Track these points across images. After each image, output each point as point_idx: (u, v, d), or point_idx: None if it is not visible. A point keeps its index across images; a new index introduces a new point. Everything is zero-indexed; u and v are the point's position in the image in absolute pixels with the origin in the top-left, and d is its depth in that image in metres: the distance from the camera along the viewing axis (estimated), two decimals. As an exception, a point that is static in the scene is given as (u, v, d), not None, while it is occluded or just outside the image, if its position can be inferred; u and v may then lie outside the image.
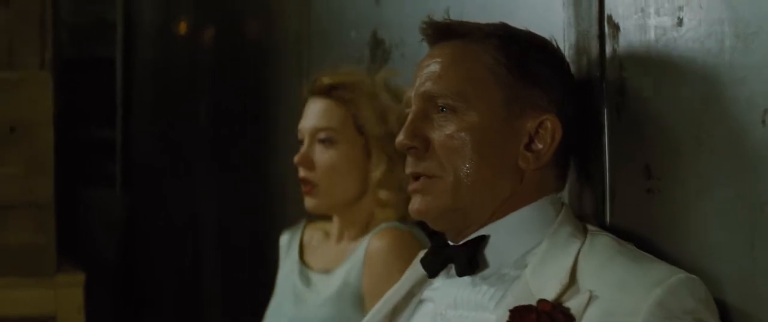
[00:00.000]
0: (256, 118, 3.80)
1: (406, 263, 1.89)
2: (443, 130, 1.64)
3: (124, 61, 5.91)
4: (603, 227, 1.70)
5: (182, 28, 4.96)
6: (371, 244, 2.24)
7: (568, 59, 1.79)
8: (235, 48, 4.18)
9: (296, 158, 2.30)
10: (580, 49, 1.79)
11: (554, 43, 1.72)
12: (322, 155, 2.29)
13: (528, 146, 1.64)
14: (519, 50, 1.65)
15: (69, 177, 5.09)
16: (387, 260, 2.19)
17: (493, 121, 1.62)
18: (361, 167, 2.29)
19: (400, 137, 1.66)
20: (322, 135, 2.30)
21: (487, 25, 1.69)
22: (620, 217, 1.72)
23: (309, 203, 2.32)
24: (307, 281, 2.37)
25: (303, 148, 2.31)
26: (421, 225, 2.27)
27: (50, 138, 3.61)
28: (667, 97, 1.60)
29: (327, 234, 2.44)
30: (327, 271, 2.35)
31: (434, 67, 1.66)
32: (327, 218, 2.44)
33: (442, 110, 1.64)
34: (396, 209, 2.30)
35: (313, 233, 2.47)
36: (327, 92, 2.31)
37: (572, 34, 1.82)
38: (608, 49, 1.73)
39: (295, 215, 2.74)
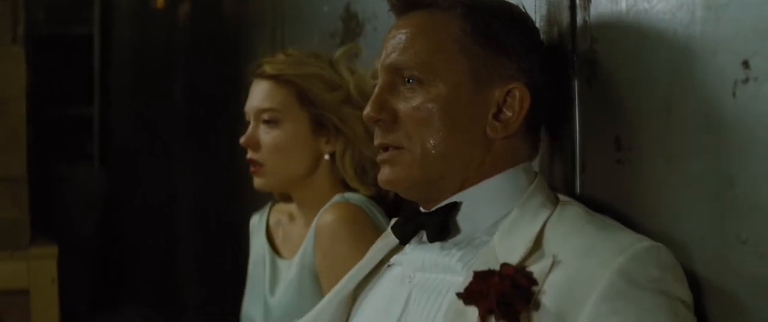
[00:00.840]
0: (231, 95, 3.78)
1: (356, 237, 1.90)
2: (410, 102, 1.63)
3: (102, 38, 5.89)
4: (573, 197, 1.69)
5: (159, 3, 4.94)
6: (320, 219, 2.24)
7: (539, 30, 1.78)
8: (211, 24, 4.17)
9: (242, 140, 2.32)
10: (551, 19, 1.79)
11: (523, 9, 1.71)
12: (266, 136, 2.30)
13: (496, 115, 1.63)
14: (485, 19, 1.64)
15: (46, 154, 5.08)
16: (336, 233, 2.19)
17: (459, 92, 1.62)
18: (308, 143, 2.30)
19: (367, 110, 1.66)
20: (265, 116, 2.30)
21: None
22: (590, 187, 1.72)
23: (257, 182, 2.33)
24: (274, 268, 2.37)
25: (249, 130, 2.32)
26: (380, 201, 2.28)
27: (23, 112, 3.62)
28: (638, 69, 1.60)
29: (291, 216, 2.44)
30: (289, 256, 2.35)
31: (400, 38, 1.66)
32: (289, 198, 2.43)
33: (409, 82, 1.64)
34: (357, 186, 2.29)
35: (278, 216, 2.48)
36: (264, 75, 2.31)
37: (543, 5, 1.81)
38: (579, 20, 1.73)
39: (269, 194, 2.73)
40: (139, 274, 5.39)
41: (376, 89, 1.67)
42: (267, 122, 2.30)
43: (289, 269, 2.31)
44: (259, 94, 2.32)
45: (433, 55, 1.63)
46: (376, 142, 1.68)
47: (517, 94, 1.63)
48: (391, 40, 1.67)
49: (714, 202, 1.45)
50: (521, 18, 1.70)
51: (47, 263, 3.66)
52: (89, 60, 5.85)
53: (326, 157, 2.30)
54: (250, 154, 2.31)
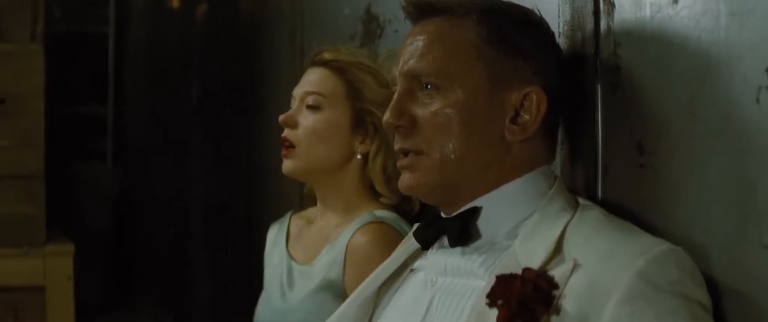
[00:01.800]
0: (247, 94, 3.79)
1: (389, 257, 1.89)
2: (428, 108, 1.65)
3: (117, 37, 5.90)
4: (595, 201, 1.70)
5: (175, 2, 4.95)
6: (354, 239, 2.23)
7: (562, 35, 1.79)
8: (228, 24, 4.17)
9: (281, 117, 2.30)
10: (574, 25, 1.79)
11: (538, 13, 1.72)
12: (306, 118, 2.29)
13: (514, 119, 1.64)
14: (500, 23, 1.65)
15: (61, 151, 5.10)
16: (371, 256, 2.17)
17: (477, 97, 1.63)
18: (345, 136, 2.29)
19: (387, 116, 1.68)
20: (310, 99, 2.29)
21: (469, 0, 1.69)
22: (612, 192, 1.72)
23: (287, 165, 2.30)
24: (291, 274, 2.36)
25: (291, 110, 2.31)
26: (405, 214, 2.28)
27: (41, 110, 3.63)
28: (662, 74, 1.60)
29: (310, 221, 2.43)
30: (308, 262, 2.33)
31: (417, 45, 1.67)
32: (312, 203, 2.43)
33: (427, 88, 1.66)
34: (384, 191, 2.29)
35: (297, 222, 2.46)
36: (324, 62, 2.31)
37: (567, 10, 1.81)
38: (603, 26, 1.73)
39: (285, 192, 2.74)
40: (151, 271, 5.40)
41: (395, 96, 1.69)
42: (310, 107, 2.29)
43: (308, 275, 2.30)
44: (310, 78, 2.32)
45: (450, 61, 1.64)
46: (396, 147, 1.69)
47: (535, 97, 1.64)
48: (408, 47, 1.69)
49: (736, 207, 1.46)
50: (537, 22, 1.71)
51: (63, 261, 3.68)
52: (104, 58, 5.87)
53: (359, 156, 2.29)
54: (285, 133, 2.30)
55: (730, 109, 1.46)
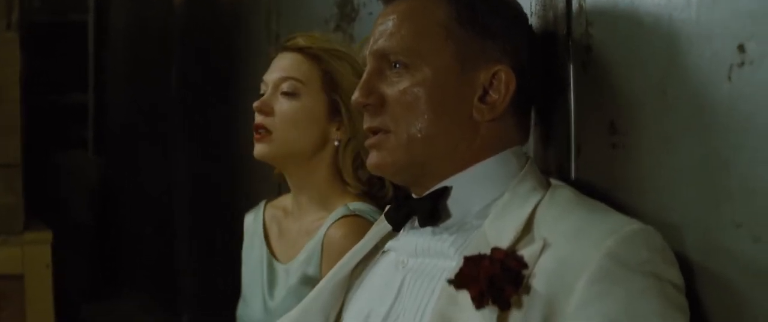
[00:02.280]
0: (226, 81, 3.78)
1: None
2: (397, 86, 1.65)
3: (97, 25, 5.89)
4: (568, 181, 1.69)
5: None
6: (329, 233, 2.22)
7: (534, 15, 1.78)
8: (207, 10, 4.16)
9: (256, 104, 2.27)
10: (546, 4, 1.79)
11: None
12: (283, 105, 2.27)
13: (482, 98, 1.64)
14: (471, 2, 1.65)
15: (42, 140, 5.09)
16: (346, 249, 2.15)
17: (445, 76, 1.63)
18: (321, 124, 2.27)
19: (356, 95, 1.68)
20: (285, 86, 2.27)
21: None
22: (585, 171, 1.72)
23: (259, 149, 2.28)
24: (272, 272, 2.35)
25: (265, 96, 2.29)
26: (378, 201, 2.27)
27: (17, 99, 3.64)
28: (633, 53, 1.60)
29: (286, 211, 2.42)
30: (289, 259, 2.32)
31: (387, 24, 1.68)
32: (285, 190, 2.42)
33: (396, 66, 1.66)
34: (350, 180, 2.28)
35: (273, 212, 2.45)
36: (299, 49, 2.29)
37: (539, -10, 1.81)
38: (575, 5, 1.73)
39: (267, 178, 2.73)
40: (135, 261, 5.39)
41: (365, 75, 1.69)
42: (286, 94, 2.27)
43: (289, 274, 2.29)
44: (283, 64, 2.30)
45: (419, 40, 1.64)
46: (365, 126, 1.69)
47: (503, 76, 1.63)
48: (378, 27, 1.69)
49: (709, 186, 1.45)
50: (508, 1, 1.71)
51: (42, 249, 3.68)
52: (84, 46, 5.86)
53: (336, 143, 2.27)
54: (259, 120, 2.27)
55: (702, 88, 1.46)
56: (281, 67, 2.30)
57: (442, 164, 1.65)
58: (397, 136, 1.64)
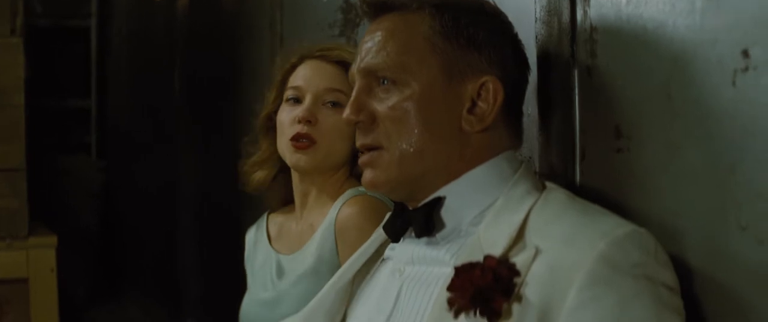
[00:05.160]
0: (230, 84, 3.79)
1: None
2: (386, 103, 1.67)
3: (99, 30, 5.89)
4: (572, 186, 1.70)
5: (157, -6, 4.94)
6: (341, 213, 2.22)
7: (539, 21, 1.79)
8: (210, 15, 4.17)
9: (302, 114, 2.25)
10: (551, 10, 1.79)
11: (492, 3, 1.73)
12: (329, 117, 2.26)
13: (471, 109, 1.65)
14: (454, 15, 1.67)
15: (46, 145, 5.09)
16: (360, 226, 2.17)
17: (433, 89, 1.65)
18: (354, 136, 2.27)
19: (347, 112, 1.69)
20: (331, 97, 2.26)
21: None
22: (590, 176, 1.72)
23: (303, 159, 2.26)
24: (280, 266, 2.35)
25: (308, 105, 2.27)
26: None
27: (21, 104, 3.64)
28: (638, 59, 1.60)
29: (288, 216, 2.42)
30: (295, 250, 2.33)
31: (373, 41, 1.69)
32: (290, 202, 2.42)
33: (384, 83, 1.68)
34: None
35: (276, 219, 2.45)
36: (340, 61, 2.29)
37: (544, -5, 1.82)
38: (579, 11, 1.74)
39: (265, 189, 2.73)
40: (138, 264, 5.39)
41: (354, 92, 1.71)
42: (334, 104, 2.26)
43: (297, 261, 2.29)
44: (325, 75, 2.29)
45: (405, 56, 1.66)
46: (357, 143, 1.71)
47: (491, 86, 1.65)
48: (365, 44, 1.71)
49: (714, 189, 1.46)
50: (491, 12, 1.72)
51: (46, 253, 3.69)
52: (87, 51, 5.86)
53: None
54: (304, 130, 2.25)
55: (707, 93, 1.47)
56: (325, 78, 2.29)
57: (435, 177, 1.66)
58: (390, 153, 1.66)
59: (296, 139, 2.26)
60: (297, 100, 2.29)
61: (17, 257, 3.65)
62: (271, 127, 2.38)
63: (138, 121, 5.32)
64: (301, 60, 2.34)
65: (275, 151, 2.36)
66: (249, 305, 2.40)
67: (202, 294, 4.27)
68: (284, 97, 2.33)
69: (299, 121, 2.26)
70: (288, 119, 2.29)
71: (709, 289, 1.49)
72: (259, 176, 2.42)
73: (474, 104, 1.65)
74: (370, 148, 1.69)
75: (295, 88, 2.30)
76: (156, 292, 5.04)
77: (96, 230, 5.69)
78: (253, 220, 2.53)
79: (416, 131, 1.64)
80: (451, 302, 1.48)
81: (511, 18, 1.74)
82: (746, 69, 1.39)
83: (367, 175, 1.69)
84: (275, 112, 2.36)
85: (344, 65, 2.27)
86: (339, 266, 2.19)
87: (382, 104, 1.67)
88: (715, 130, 1.46)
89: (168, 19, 4.69)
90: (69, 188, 5.55)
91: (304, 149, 2.26)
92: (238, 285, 2.54)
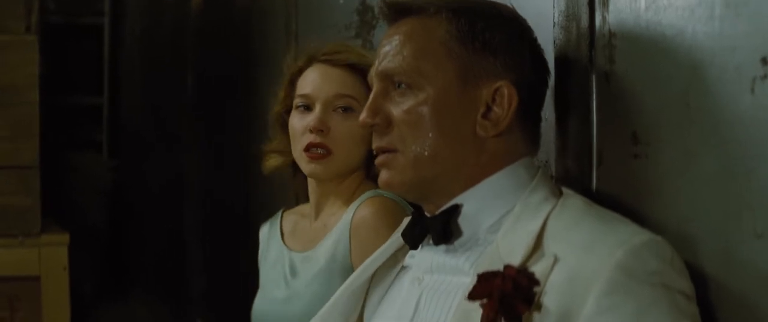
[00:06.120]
0: (243, 84, 3.79)
1: (393, 230, 1.91)
2: (401, 106, 1.68)
3: (112, 28, 5.91)
4: (589, 192, 1.70)
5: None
6: (357, 214, 2.22)
7: (557, 26, 1.79)
8: (223, 14, 4.17)
9: (314, 123, 2.24)
10: (569, 16, 1.80)
11: (510, 7, 1.74)
12: (342, 123, 2.25)
13: (486, 114, 1.66)
14: (470, 20, 1.68)
15: (57, 142, 5.11)
16: (375, 227, 2.17)
17: (448, 94, 1.66)
18: (369, 138, 2.27)
19: (363, 115, 1.71)
20: (341, 102, 2.26)
21: None
22: (607, 182, 1.72)
23: (319, 169, 2.25)
24: (293, 265, 2.34)
25: (319, 113, 2.26)
26: None
27: (36, 101, 3.65)
28: (656, 65, 1.60)
29: (303, 215, 2.42)
30: (310, 249, 2.32)
31: (391, 45, 1.71)
32: (304, 200, 2.43)
33: (400, 86, 1.69)
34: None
35: (290, 218, 2.45)
36: (348, 65, 2.29)
37: (562, 1, 1.82)
38: (598, 17, 1.74)
39: (281, 182, 2.74)
40: (146, 262, 5.40)
41: (371, 96, 1.72)
42: (345, 110, 2.26)
43: (310, 260, 2.29)
44: (334, 81, 2.27)
45: (421, 60, 1.67)
46: (374, 146, 1.72)
47: (505, 92, 1.65)
48: (383, 48, 1.72)
49: (731, 197, 1.46)
50: (508, 16, 1.73)
51: (58, 250, 3.69)
52: (100, 49, 5.88)
53: None
54: (317, 139, 2.24)
55: (725, 100, 1.47)
56: (333, 83, 2.28)
57: (450, 181, 1.67)
58: (405, 155, 1.67)
59: (310, 148, 2.26)
60: (307, 108, 2.29)
61: (29, 255, 3.66)
62: (283, 124, 2.38)
63: (149, 120, 5.33)
64: (308, 63, 2.33)
65: (288, 145, 2.35)
66: (262, 303, 2.40)
67: (209, 292, 4.28)
68: (294, 104, 2.32)
69: (311, 131, 2.25)
70: (300, 127, 2.28)
71: (724, 296, 1.49)
72: (275, 162, 2.42)
73: (489, 109, 1.66)
74: (386, 151, 1.70)
75: (304, 96, 2.29)
76: (163, 291, 5.05)
77: (105, 229, 5.70)
78: (260, 220, 2.53)
79: (430, 135, 1.65)
80: (484, 309, 1.49)
81: (529, 23, 1.74)
82: (765, 77, 1.39)
83: (383, 175, 1.71)
84: (286, 112, 2.36)
85: (353, 68, 2.27)
86: (350, 265, 2.20)
87: (398, 108, 1.68)
88: (731, 137, 1.46)
89: (181, 18, 4.70)
90: (78, 186, 5.56)
91: (319, 160, 2.25)
92: (244, 284, 2.54)
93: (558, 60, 1.82)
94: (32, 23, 3.68)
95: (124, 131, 5.80)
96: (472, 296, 1.50)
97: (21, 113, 3.65)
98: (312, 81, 2.30)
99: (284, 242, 2.40)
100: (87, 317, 4.84)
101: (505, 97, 1.65)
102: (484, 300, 1.49)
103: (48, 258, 3.68)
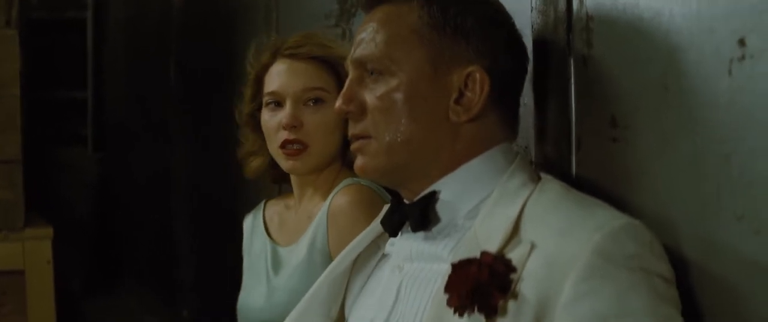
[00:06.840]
0: (226, 76, 3.78)
1: (370, 217, 1.91)
2: (374, 93, 1.69)
3: (95, 21, 5.89)
4: (568, 176, 1.70)
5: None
6: (334, 201, 2.22)
7: (535, 9, 1.79)
8: (205, 6, 4.16)
9: (287, 120, 2.24)
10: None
11: None
12: (313, 116, 2.26)
13: (458, 100, 1.66)
14: (442, 6, 1.68)
15: (41, 136, 5.10)
16: (352, 214, 2.17)
17: (420, 80, 1.66)
18: (343, 127, 2.26)
19: (338, 102, 1.72)
20: (311, 95, 2.26)
21: None
22: (585, 166, 1.72)
23: (297, 165, 2.26)
24: (276, 257, 2.34)
25: (289, 110, 2.26)
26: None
27: (17, 95, 3.65)
28: (634, 48, 1.60)
29: (287, 206, 2.42)
30: (293, 242, 2.33)
31: (365, 33, 1.72)
32: (287, 186, 2.42)
33: (373, 74, 1.69)
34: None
35: (273, 207, 2.45)
36: (313, 57, 2.28)
37: (540, -15, 1.81)
38: (575, 0, 1.73)
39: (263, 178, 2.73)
40: (134, 256, 5.40)
41: (346, 83, 1.73)
42: (315, 102, 2.26)
43: (293, 253, 2.29)
44: (300, 75, 2.28)
45: (393, 47, 1.68)
46: (349, 132, 1.73)
47: (477, 77, 1.65)
48: (359, 36, 1.73)
49: (710, 179, 1.45)
50: (483, 1, 1.73)
51: (42, 244, 3.70)
52: (83, 43, 5.86)
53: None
54: (291, 136, 2.25)
55: (703, 82, 1.46)
56: (301, 78, 2.28)
57: (425, 167, 1.67)
58: (378, 141, 1.68)
59: (285, 145, 2.26)
60: (278, 104, 2.29)
61: (13, 249, 3.66)
62: (255, 123, 2.37)
63: (134, 113, 5.32)
64: (272, 58, 2.33)
65: (264, 143, 2.35)
66: (246, 297, 2.40)
67: (198, 285, 4.27)
68: (264, 102, 2.32)
69: (284, 128, 2.25)
70: (273, 125, 2.29)
71: (704, 280, 1.49)
72: (256, 163, 2.42)
73: (461, 95, 1.66)
74: (360, 137, 1.70)
75: (273, 93, 2.30)
76: (151, 283, 5.04)
77: (91, 222, 5.69)
78: (246, 210, 2.53)
79: (403, 121, 1.65)
80: (449, 303, 1.49)
81: (507, 7, 1.74)
82: (743, 58, 1.39)
83: (358, 161, 1.72)
84: (257, 110, 2.35)
85: (318, 60, 2.27)
86: (329, 253, 2.20)
87: (371, 94, 1.69)
88: (710, 119, 1.45)
89: (163, 10, 4.68)
90: (64, 180, 5.56)
91: (297, 155, 2.26)
92: (232, 275, 2.53)
93: (536, 44, 1.81)
94: (12, 17, 3.68)
95: (110, 124, 5.79)
96: (448, 288, 1.51)
97: (3, 107, 3.65)
98: (279, 77, 2.30)
99: (269, 234, 2.40)
100: (75, 310, 4.84)
101: (477, 82, 1.65)
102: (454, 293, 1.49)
103: (32, 252, 3.68)
